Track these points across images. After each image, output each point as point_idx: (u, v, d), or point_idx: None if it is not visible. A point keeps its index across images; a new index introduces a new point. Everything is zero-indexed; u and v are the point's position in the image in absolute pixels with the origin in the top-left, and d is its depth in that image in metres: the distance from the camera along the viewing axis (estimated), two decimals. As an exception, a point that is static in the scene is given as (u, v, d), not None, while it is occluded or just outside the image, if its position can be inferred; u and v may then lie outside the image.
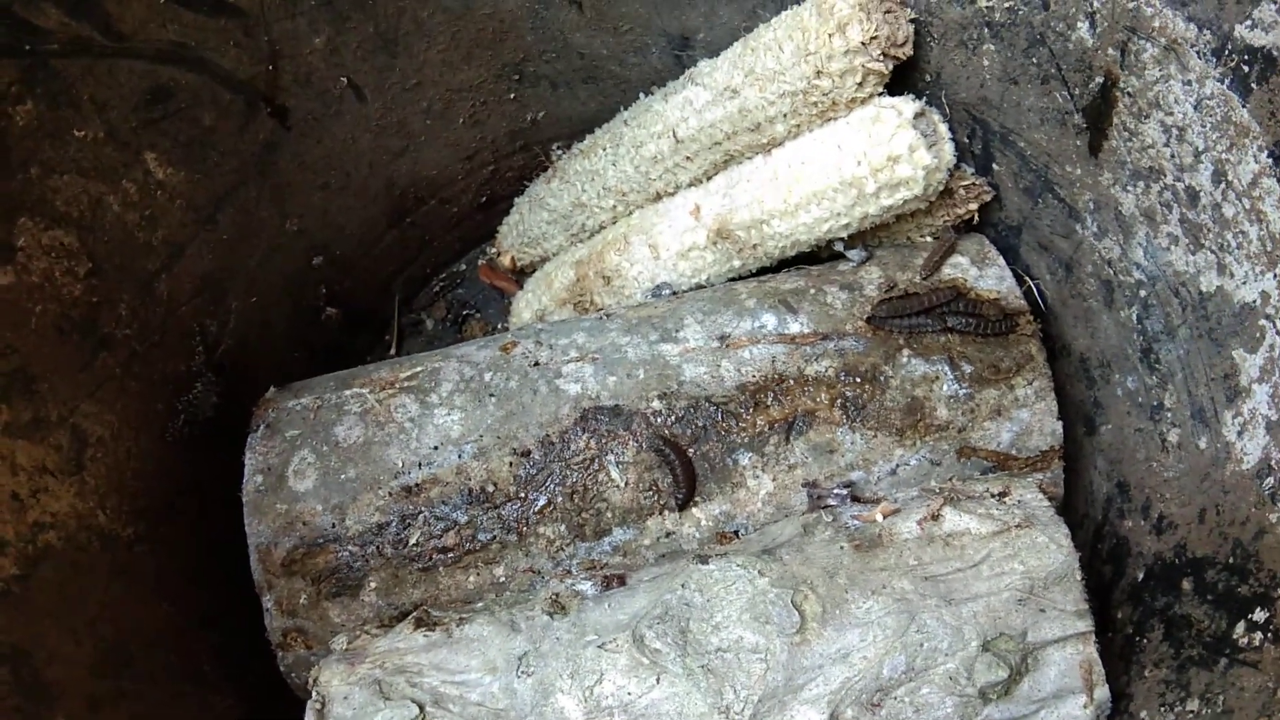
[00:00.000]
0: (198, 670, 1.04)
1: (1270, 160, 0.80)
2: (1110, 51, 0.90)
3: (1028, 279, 1.15)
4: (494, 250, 1.50)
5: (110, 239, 1.00)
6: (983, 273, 1.12)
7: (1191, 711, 0.85)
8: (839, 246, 1.15)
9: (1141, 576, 1.00)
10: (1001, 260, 1.12)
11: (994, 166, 1.11)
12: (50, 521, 0.92)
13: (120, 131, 0.98)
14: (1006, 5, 0.97)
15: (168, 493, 1.08)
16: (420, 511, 1.04)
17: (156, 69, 0.98)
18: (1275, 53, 0.77)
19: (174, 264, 1.08)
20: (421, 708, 0.84)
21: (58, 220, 0.94)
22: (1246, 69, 0.79)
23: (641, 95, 1.28)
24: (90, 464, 0.98)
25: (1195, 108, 0.85)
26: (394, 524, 1.03)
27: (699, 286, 1.22)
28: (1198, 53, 0.83)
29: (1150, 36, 0.86)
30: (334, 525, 1.03)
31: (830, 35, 1.02)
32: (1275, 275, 0.83)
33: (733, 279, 1.22)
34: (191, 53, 1.00)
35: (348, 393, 1.10)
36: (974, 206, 1.14)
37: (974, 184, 1.13)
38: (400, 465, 1.05)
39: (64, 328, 0.97)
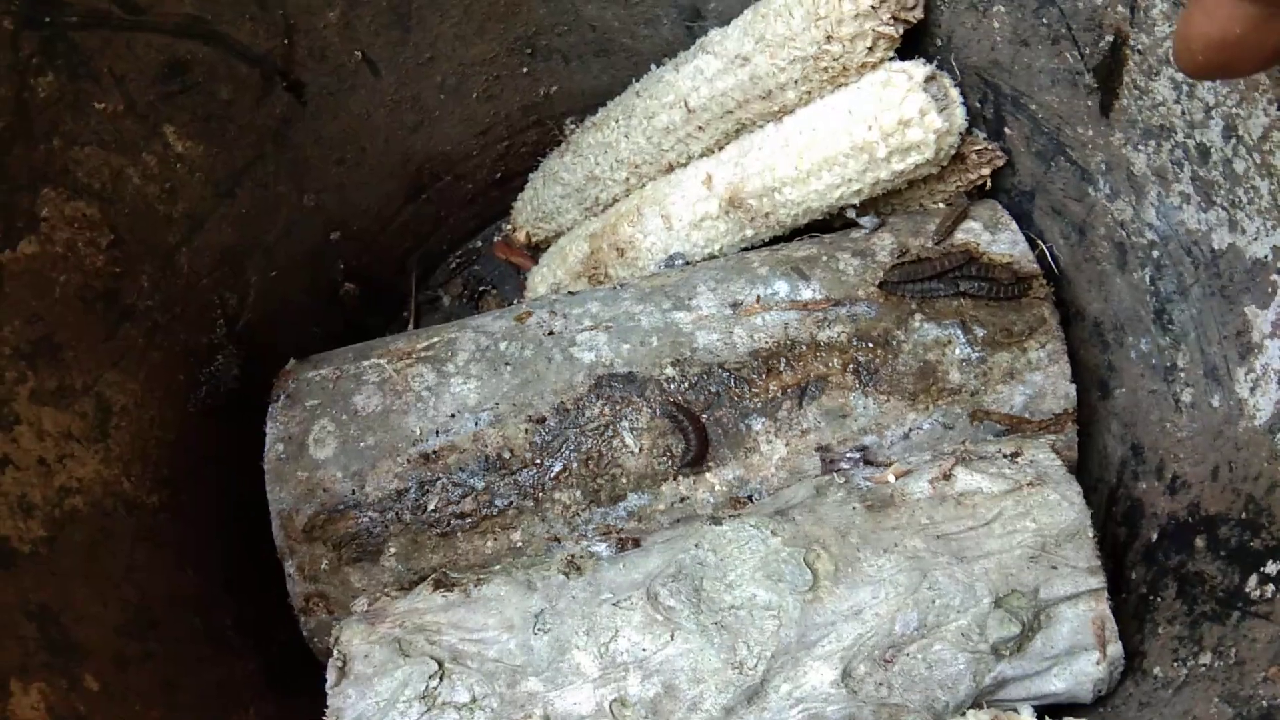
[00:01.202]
0: (222, 634, 1.06)
1: (1281, 113, 0.80)
2: (1120, 9, 0.90)
3: (1041, 243, 1.15)
4: (509, 226, 1.51)
5: (131, 211, 1.02)
6: (995, 237, 1.12)
7: (1204, 664, 0.85)
8: (851, 214, 1.16)
9: (1155, 537, 1.00)
10: (1014, 224, 1.12)
11: (1006, 130, 1.11)
12: (76, 486, 0.94)
13: (140, 104, 0.99)
14: (1016, -34, 0.97)
15: (191, 462, 1.10)
16: (438, 478, 1.05)
17: (174, 42, 1.00)
18: (1285, 3, 0.77)
19: (194, 237, 1.10)
20: (440, 664, 0.85)
21: (80, 191, 0.96)
22: (1257, 21, 0.79)
23: (653, 67, 1.28)
24: (115, 432, 1.00)
25: (1206, 63, 0.85)
26: (413, 490, 1.05)
27: (712, 256, 1.23)
28: (1208, 6, 0.82)
29: (1160, -8, 0.85)
30: (354, 492, 1.05)
31: (840, 0, 1.02)
32: (1287, 229, 0.83)
33: (745, 248, 1.22)
34: (208, 26, 1.01)
35: (366, 363, 1.12)
36: (986, 171, 1.14)
37: (986, 148, 1.13)
38: (418, 433, 1.06)
39: (87, 298, 0.99)
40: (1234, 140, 0.85)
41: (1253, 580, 0.83)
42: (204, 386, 1.14)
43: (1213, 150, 0.88)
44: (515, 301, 1.50)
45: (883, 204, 1.20)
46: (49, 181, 0.93)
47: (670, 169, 1.27)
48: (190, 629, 1.02)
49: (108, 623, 0.91)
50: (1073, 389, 1.06)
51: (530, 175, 1.45)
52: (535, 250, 1.50)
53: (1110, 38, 0.92)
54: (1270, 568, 0.82)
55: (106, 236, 0.99)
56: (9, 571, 0.84)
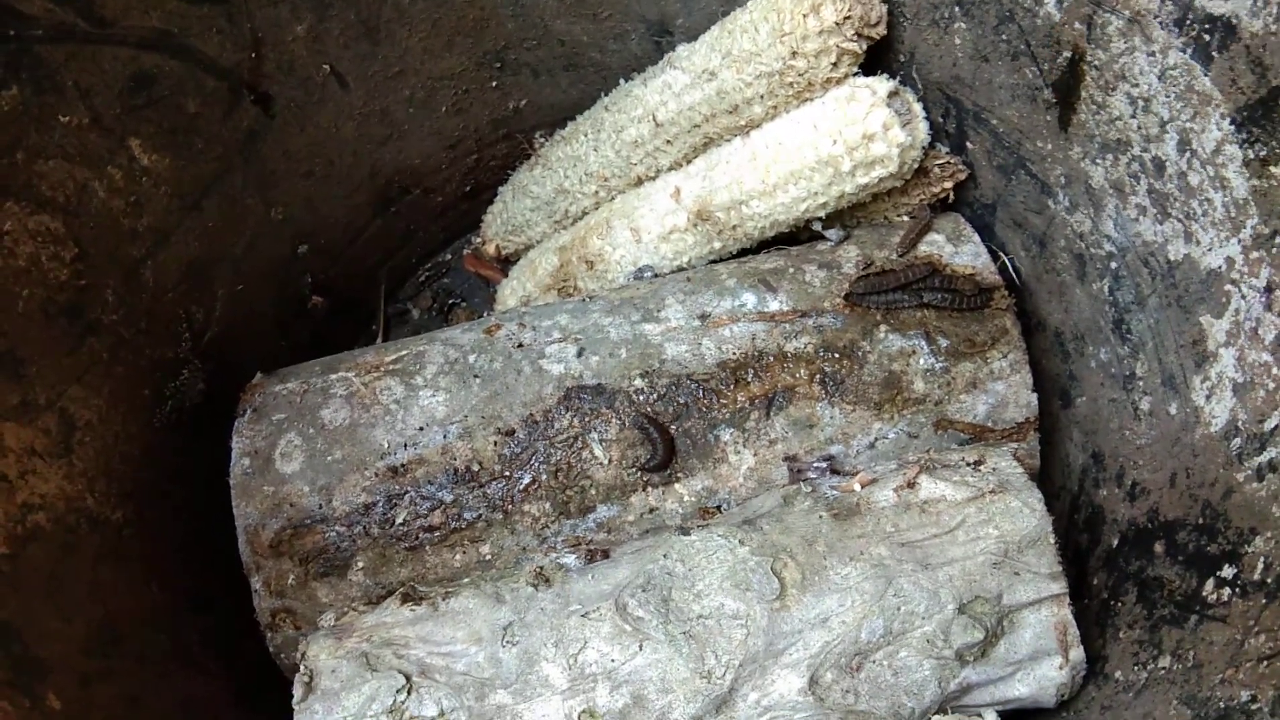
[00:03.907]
0: (187, 651, 1.05)
1: (1232, 127, 0.82)
2: (1077, 25, 0.92)
3: (1002, 255, 1.17)
4: (479, 239, 1.51)
5: (96, 224, 1.01)
6: (958, 249, 1.13)
7: (1164, 668, 0.87)
8: (817, 227, 1.17)
9: (1116, 543, 1.02)
10: (976, 237, 1.14)
11: (968, 145, 1.13)
12: (39, 503, 0.93)
13: (105, 118, 0.99)
14: (975, -17, 0.99)
15: (156, 477, 1.09)
16: (406, 491, 1.05)
17: (140, 55, 1.00)
18: (1234, 20, 0.79)
19: (160, 250, 1.09)
20: (408, 678, 0.85)
21: (44, 205, 0.96)
22: (1208, 38, 0.81)
23: (621, 81, 1.29)
24: (78, 447, 0.99)
25: (1159, 78, 0.87)
26: (380, 504, 1.04)
27: (680, 268, 1.24)
28: (1160, 23, 0.84)
29: (1114, 9, 0.87)
30: (321, 506, 1.04)
31: (805, 16, 1.04)
32: (1239, 240, 0.85)
33: (713, 260, 1.23)
34: (175, 40, 1.01)
35: (333, 376, 1.12)
36: (949, 185, 1.16)
37: (948, 162, 1.15)
38: (386, 446, 1.06)
39: (51, 312, 0.98)
40: (1188, 154, 0.87)
41: (1210, 584, 0.85)
42: (169, 401, 1.13)
43: (1168, 164, 0.90)
44: (485, 314, 1.50)
45: (848, 217, 1.21)
46: (12, 195, 0.92)
47: (639, 182, 1.28)
48: (155, 645, 1.01)
49: (71, 640, 0.90)
50: (1034, 398, 1.08)
51: (500, 188, 1.46)
52: (505, 263, 1.50)
53: (1068, 53, 0.94)
54: (1226, 571, 0.83)
55: (71, 250, 0.99)
56: (-31, 588, 0.83)
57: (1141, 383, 1.00)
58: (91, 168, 1.00)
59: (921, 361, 1.07)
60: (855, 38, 1.05)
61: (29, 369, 0.95)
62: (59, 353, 0.99)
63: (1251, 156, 0.81)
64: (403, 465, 1.06)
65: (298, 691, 0.86)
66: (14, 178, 0.93)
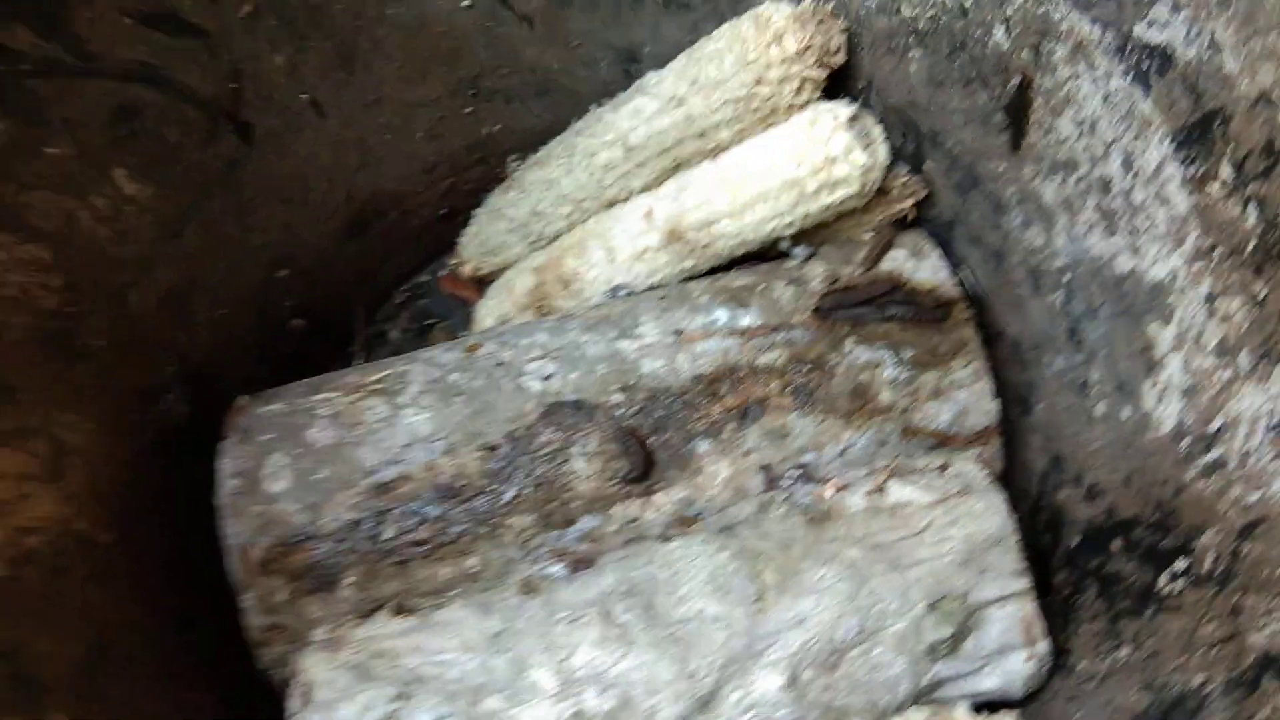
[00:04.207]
0: (177, 670, 1.07)
1: (1172, 147, 0.88)
2: (1025, 54, 0.97)
3: (963, 268, 1.22)
4: (455, 261, 1.54)
5: (83, 253, 1.03)
6: (919, 265, 1.18)
7: (1124, 657, 0.92)
8: (785, 245, 1.22)
9: (1077, 541, 1.07)
10: (936, 252, 1.19)
11: (926, 165, 1.19)
12: (34, 526, 0.95)
13: (90, 148, 1.01)
14: (929, 14, 1.04)
15: (144, 499, 1.10)
16: (393, 508, 1.07)
17: (124, 88, 1.02)
18: (1170, 49, 0.85)
19: (144, 277, 1.11)
20: (403, 686, 0.88)
21: (32, 235, 0.98)
22: (1146, 64, 0.87)
23: (593, 107, 1.33)
24: (69, 471, 1.01)
25: (1103, 102, 0.92)
26: (368, 521, 1.07)
27: (654, 286, 1.28)
28: (1102, 51, 0.90)
29: (1059, 38, 0.93)
30: (309, 524, 1.06)
31: (768, 45, 1.09)
32: (1181, 253, 0.90)
33: (686, 278, 1.27)
34: (157, 72, 1.04)
35: (318, 397, 1.14)
36: (909, 204, 1.21)
37: (908, 182, 1.20)
38: (372, 464, 1.09)
39: (40, 339, 0.99)
40: (1132, 173, 0.93)
41: (1164, 578, 0.90)
42: (155, 424, 1.15)
43: (1114, 182, 0.95)
44: (463, 334, 1.53)
45: (814, 235, 1.26)
46: (2, 226, 0.94)
47: (611, 204, 1.32)
48: (146, 665, 1.02)
49: (67, 660, 0.92)
50: (995, 405, 1.13)
51: (475, 211, 1.49)
52: (481, 284, 1.53)
53: (1017, 79, 1.00)
54: (1179, 564, 0.89)
55: (59, 278, 1.01)
56: (-30, 612, 0.84)
57: (1096, 389, 1.05)
58: (78, 197, 1.02)
59: (887, 372, 1.12)
60: (816, 65, 1.10)
61: (21, 395, 0.97)
62: (49, 379, 1.00)
63: (1190, 175, 0.87)
64: (389, 482, 1.08)
65: (295, 703, 0.89)
66: (3, 209, 0.95)
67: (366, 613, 1.02)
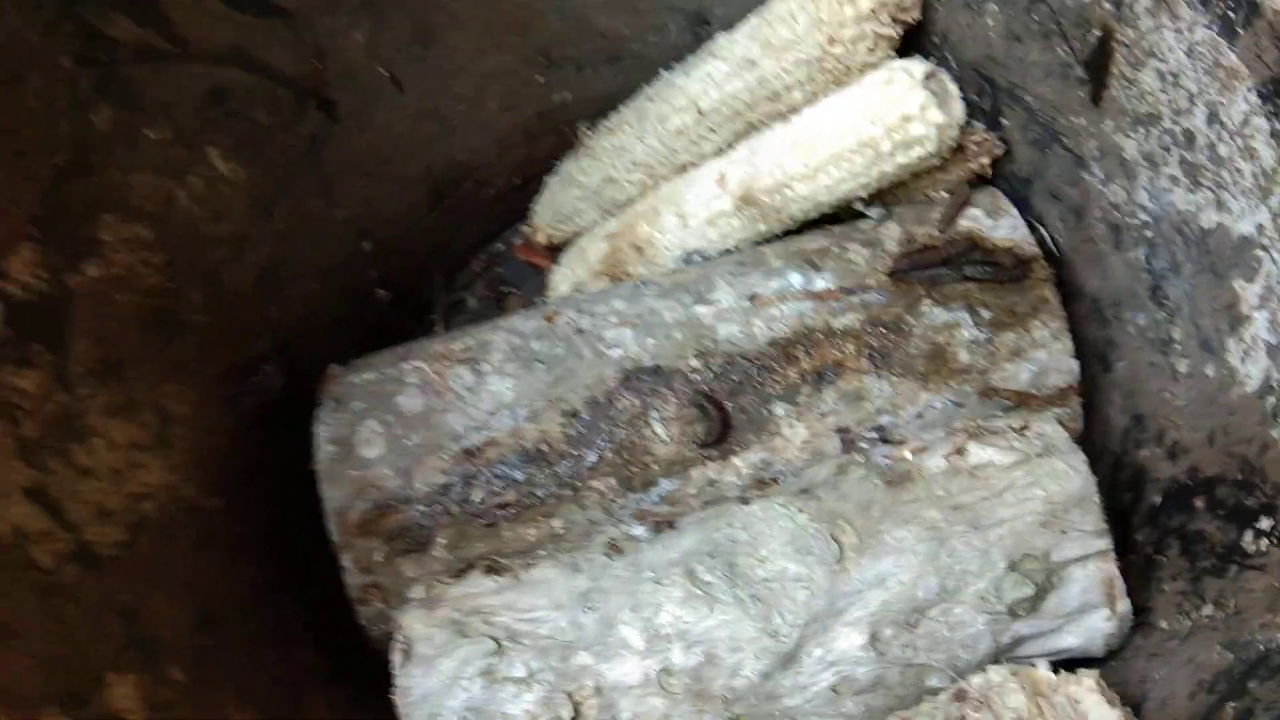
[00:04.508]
0: (282, 628, 1.13)
1: (1258, 99, 0.86)
2: (1105, 5, 0.95)
3: (1040, 227, 1.20)
4: (529, 229, 1.57)
5: (181, 232, 1.08)
6: (997, 223, 1.18)
7: (1206, 615, 0.92)
8: (859, 206, 1.22)
9: (1159, 500, 1.07)
10: (1014, 210, 1.18)
11: (1003, 121, 1.17)
12: (146, 493, 1.00)
13: (185, 131, 1.05)
14: (1007, -33, 1.03)
15: (245, 467, 1.16)
16: (481, 472, 1.12)
17: (215, 70, 1.06)
18: (1259, -1, 0.83)
19: (237, 254, 1.16)
20: (498, 642, 0.92)
21: (135, 215, 1.02)
22: (1232, 14, 0.85)
23: (662, 72, 1.34)
24: (175, 441, 1.07)
25: (1187, 54, 0.90)
26: (458, 484, 1.11)
27: (727, 251, 1.29)
28: (1186, 2, 0.88)
29: (1143, -11, 0.91)
30: (402, 488, 1.11)
31: (841, 4, 1.08)
32: (1268, 207, 0.89)
33: (759, 242, 1.28)
34: (246, 54, 1.07)
35: (406, 366, 1.18)
36: (986, 161, 1.20)
37: (985, 139, 1.19)
38: (460, 430, 1.13)
39: (145, 316, 1.05)
40: (1217, 126, 0.91)
41: (1248, 536, 0.90)
42: (252, 395, 1.20)
43: (1198, 135, 0.94)
44: (538, 302, 1.56)
45: (889, 195, 1.25)
46: (107, 208, 0.99)
47: (683, 169, 1.33)
48: (254, 623, 1.08)
49: (181, 621, 0.98)
50: (1075, 364, 1.13)
51: (547, 179, 1.51)
52: (555, 250, 1.56)
53: (1098, 32, 0.98)
54: (1263, 523, 0.88)
55: (160, 257, 1.06)
56: (97, 574, 0.90)
57: (1179, 346, 1.04)
58: (175, 178, 1.06)
59: (965, 333, 1.12)
60: (890, 22, 1.09)
61: (129, 370, 1.02)
62: (153, 353, 1.06)
63: (1278, 128, 0.85)
64: (476, 447, 1.12)
65: (397, 659, 0.93)
66: (109, 191, 0.99)
67: (458, 572, 1.06)
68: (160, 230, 1.05)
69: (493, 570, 1.00)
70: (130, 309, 1.03)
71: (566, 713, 0.89)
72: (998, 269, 1.14)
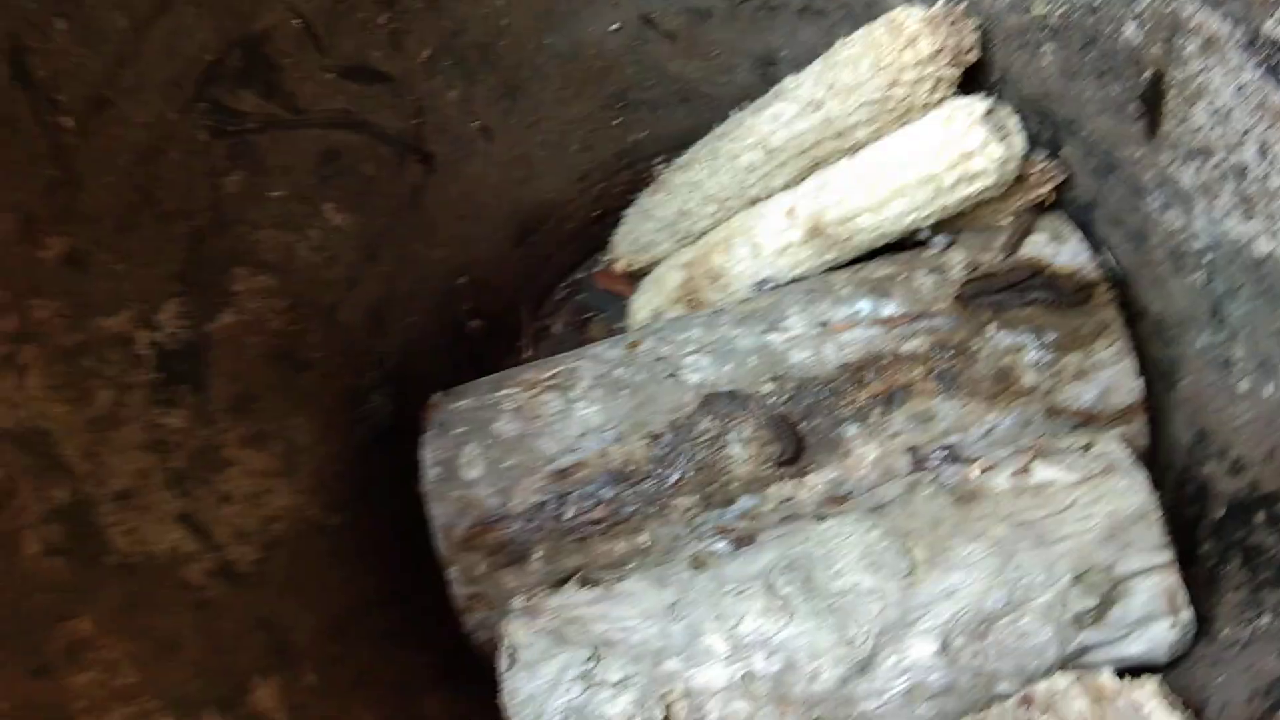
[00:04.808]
0: (399, 634, 1.23)
1: (1306, 135, 0.91)
2: (1156, 48, 1.01)
3: (1104, 250, 1.25)
4: (608, 258, 1.66)
5: (301, 278, 1.19)
6: (1059, 249, 1.23)
7: (1265, 624, 0.96)
8: (924, 234, 1.28)
9: (1222, 513, 1.11)
10: (1076, 236, 1.23)
11: (1063, 151, 1.22)
12: (278, 515, 1.12)
13: (303, 189, 1.17)
14: (1060, 11, 1.08)
15: (360, 487, 1.27)
16: (572, 490, 1.21)
17: (328, 133, 1.17)
18: (1301, 42, 0.87)
19: (349, 294, 1.27)
20: (594, 649, 1.01)
21: (262, 267, 1.14)
22: (1277, 59, 0.90)
23: (732, 112, 1.42)
24: (300, 466, 1.18)
25: (1236, 93, 0.95)
26: (551, 502, 1.20)
27: (797, 279, 1.36)
28: (1233, 46, 0.93)
29: (1190, 33, 0.96)
30: (501, 506, 1.21)
31: (902, 49, 1.15)
32: (1320, 236, 0.93)
33: (828, 270, 1.35)
34: (355, 117, 1.19)
35: (501, 393, 1.28)
36: (1048, 189, 1.25)
37: (1045, 168, 1.24)
38: (552, 452, 1.22)
39: (272, 355, 1.16)
40: (1268, 160, 0.95)
41: (1305, 549, 0.94)
42: (365, 422, 1.31)
43: (1249, 168, 0.98)
44: (619, 326, 1.65)
45: (953, 222, 1.31)
46: (239, 262, 1.11)
47: (754, 201, 1.41)
48: (374, 630, 1.19)
49: (313, 629, 1.09)
50: (1140, 383, 1.17)
51: (625, 211, 1.60)
52: (633, 278, 1.65)
53: (1150, 72, 1.03)
54: (1319, 538, 0.92)
55: (284, 302, 1.17)
56: (239, 589, 1.02)
57: (1238, 366, 1.08)
58: (295, 231, 1.18)
59: (1030, 355, 1.17)
60: (950, 65, 1.16)
61: (260, 405, 1.14)
62: (280, 388, 1.18)
63: (1325, 162, 0.90)
64: (567, 469, 1.21)
65: (503, 663, 1.03)
66: (239, 247, 1.11)
67: (555, 583, 1.16)
68: (283, 278, 1.17)
69: (587, 583, 1.09)
70: (260, 350, 1.15)
71: (659, 713, 0.97)
72: (1061, 293, 1.19)
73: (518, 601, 1.11)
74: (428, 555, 1.23)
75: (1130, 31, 1.02)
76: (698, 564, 1.08)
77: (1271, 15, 0.88)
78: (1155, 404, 1.23)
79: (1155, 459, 1.24)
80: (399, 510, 1.29)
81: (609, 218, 1.63)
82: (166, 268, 1.03)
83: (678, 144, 1.51)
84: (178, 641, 0.92)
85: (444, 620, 1.24)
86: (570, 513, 1.20)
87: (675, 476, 1.20)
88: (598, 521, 1.20)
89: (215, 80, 1.02)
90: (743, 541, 1.12)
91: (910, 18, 1.15)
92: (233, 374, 1.10)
